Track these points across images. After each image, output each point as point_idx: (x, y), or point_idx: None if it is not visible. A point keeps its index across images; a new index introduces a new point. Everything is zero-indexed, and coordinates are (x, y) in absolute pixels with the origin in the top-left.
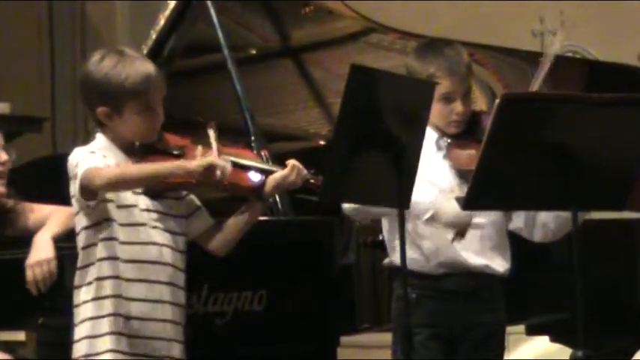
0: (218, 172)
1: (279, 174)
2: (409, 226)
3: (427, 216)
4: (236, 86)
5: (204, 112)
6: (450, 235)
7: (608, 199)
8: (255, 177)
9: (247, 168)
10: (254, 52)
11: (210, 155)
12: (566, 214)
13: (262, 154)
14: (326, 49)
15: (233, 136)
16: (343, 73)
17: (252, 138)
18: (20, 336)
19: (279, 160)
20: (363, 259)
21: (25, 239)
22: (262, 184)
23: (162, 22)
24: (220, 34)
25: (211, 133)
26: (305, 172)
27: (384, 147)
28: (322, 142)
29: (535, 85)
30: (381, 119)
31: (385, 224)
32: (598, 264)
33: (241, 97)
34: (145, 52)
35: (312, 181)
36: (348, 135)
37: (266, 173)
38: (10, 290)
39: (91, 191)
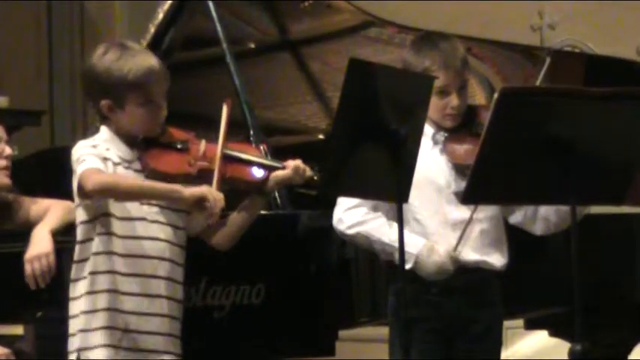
0: (208, 205)
1: (281, 173)
2: (407, 224)
3: (409, 266)
4: (235, 80)
5: (203, 106)
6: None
7: (607, 193)
8: (258, 172)
9: (250, 163)
10: (253, 45)
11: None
12: (566, 208)
13: (261, 147)
14: (325, 43)
15: (232, 129)
16: (342, 67)
17: (251, 132)
18: (19, 329)
19: (278, 155)
20: (361, 252)
21: (23, 233)
22: (265, 179)
23: (160, 15)
24: (219, 28)
25: (225, 110)
26: (308, 172)
27: (382, 141)
28: (321, 136)
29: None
30: (379, 113)
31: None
32: (596, 258)
33: (240, 90)
34: (144, 45)
35: (315, 178)
36: (347, 129)
37: (269, 169)
38: (8, 284)
39: (85, 192)
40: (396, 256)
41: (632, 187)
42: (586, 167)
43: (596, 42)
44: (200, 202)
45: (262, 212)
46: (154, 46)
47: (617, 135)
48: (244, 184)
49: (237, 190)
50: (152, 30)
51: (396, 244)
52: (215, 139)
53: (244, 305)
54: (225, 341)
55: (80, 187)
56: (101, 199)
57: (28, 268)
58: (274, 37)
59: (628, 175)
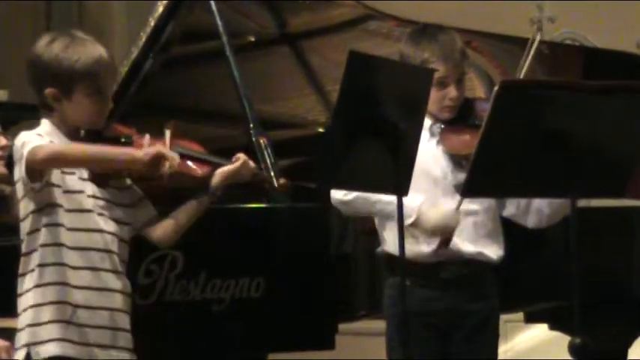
0: (166, 164)
1: (227, 167)
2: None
3: (410, 221)
4: (234, 73)
5: (202, 99)
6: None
7: (607, 186)
8: (202, 169)
9: (195, 159)
10: (252, 39)
11: (158, 145)
12: (559, 200)
13: (261, 141)
14: (324, 36)
15: (231, 123)
16: (341, 61)
17: (251, 125)
18: (15, 323)
19: (276, 148)
20: (360, 246)
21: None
22: (209, 176)
23: (160, 8)
24: (218, 21)
25: (167, 133)
26: (253, 166)
27: (382, 134)
28: (320, 130)
29: (522, 72)
30: (379, 106)
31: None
32: (595, 252)
33: (239, 84)
34: (142, 39)
35: (259, 175)
36: (347, 122)
37: (214, 166)
38: (6, 277)
39: (35, 170)
40: (390, 209)
41: (631, 181)
42: (585, 160)
43: (596, 35)
44: (155, 160)
45: (262, 205)
46: (153, 39)
47: (616, 128)
48: (190, 180)
49: (183, 187)
50: (152, 23)
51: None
52: (160, 136)
53: (243, 299)
54: (224, 335)
55: (30, 166)
56: (46, 188)
57: None
58: (274, 30)
59: (627, 169)
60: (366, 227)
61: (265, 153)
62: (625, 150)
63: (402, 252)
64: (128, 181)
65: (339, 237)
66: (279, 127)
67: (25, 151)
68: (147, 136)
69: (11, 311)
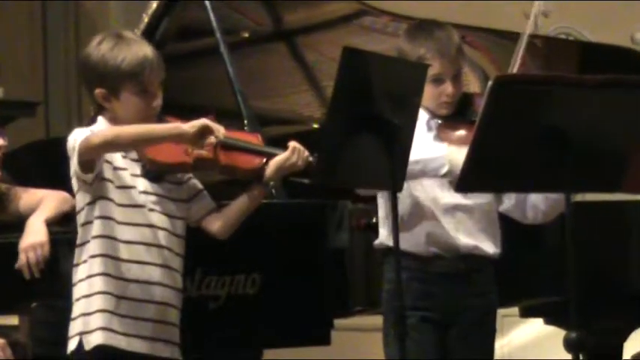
0: (212, 136)
1: (280, 157)
2: (401, 206)
3: (444, 170)
4: (229, 70)
5: (197, 96)
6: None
7: (602, 180)
8: (256, 160)
9: (248, 150)
10: (247, 35)
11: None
12: (556, 196)
13: (258, 136)
14: (319, 32)
15: (226, 119)
16: (336, 56)
17: (245, 122)
18: (14, 320)
19: (274, 144)
20: (355, 241)
21: (17, 223)
22: (263, 167)
23: (154, 5)
24: (213, 18)
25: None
26: (306, 153)
27: (376, 129)
28: (315, 125)
29: (514, 66)
30: (373, 102)
31: (381, 203)
32: (591, 246)
33: (234, 80)
34: (137, 34)
35: (312, 162)
36: (341, 117)
37: (268, 156)
38: (3, 274)
39: (88, 161)
40: (429, 166)
41: (627, 175)
42: (581, 155)
43: (591, 29)
44: (202, 132)
45: None
46: (148, 35)
47: (612, 122)
48: (242, 171)
49: (237, 180)
50: (146, 19)
51: (424, 156)
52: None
53: (239, 295)
54: (221, 331)
55: (83, 154)
56: (100, 182)
57: (22, 257)
58: (268, 26)
59: (622, 163)
60: (361, 223)
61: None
62: (620, 144)
63: (396, 246)
64: (186, 176)
65: (335, 233)
66: (274, 123)
67: (77, 144)
68: None
69: (7, 308)
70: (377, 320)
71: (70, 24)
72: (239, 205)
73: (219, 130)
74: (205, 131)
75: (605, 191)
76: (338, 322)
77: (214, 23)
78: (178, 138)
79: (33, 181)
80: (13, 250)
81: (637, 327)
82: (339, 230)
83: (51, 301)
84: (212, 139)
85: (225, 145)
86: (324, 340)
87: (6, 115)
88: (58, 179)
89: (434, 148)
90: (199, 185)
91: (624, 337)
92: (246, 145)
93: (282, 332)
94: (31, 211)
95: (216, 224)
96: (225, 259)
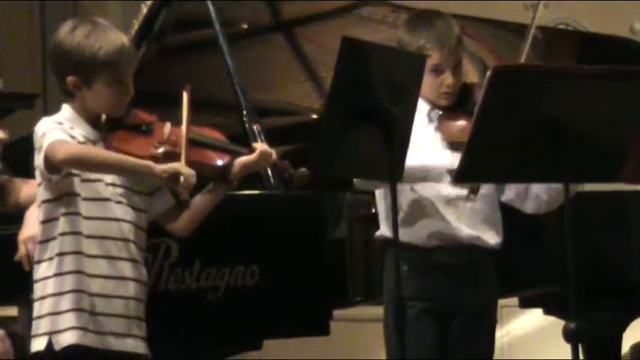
0: (182, 179)
1: (247, 159)
2: (402, 198)
3: (447, 180)
4: (227, 61)
5: (195, 88)
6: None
7: (600, 170)
8: (222, 157)
9: (216, 148)
10: (245, 27)
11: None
12: (558, 186)
13: (255, 128)
14: (318, 23)
15: (225, 111)
16: (335, 47)
17: (244, 113)
18: (12, 311)
19: (271, 136)
20: (355, 232)
21: (17, 215)
22: (229, 165)
23: None
24: (211, 9)
25: (184, 96)
26: (274, 156)
27: (375, 120)
28: (314, 117)
29: (522, 57)
30: (372, 92)
31: (379, 196)
32: (590, 236)
33: (233, 72)
34: (135, 27)
35: (279, 165)
36: (340, 108)
37: (234, 155)
38: (2, 265)
39: (54, 165)
40: (432, 174)
41: (625, 165)
42: (579, 145)
43: (590, 20)
44: (172, 177)
45: (256, 192)
46: (146, 27)
47: (610, 113)
48: (208, 168)
49: (201, 176)
50: (144, 11)
51: (428, 164)
52: (180, 123)
53: (239, 286)
54: (220, 322)
55: (48, 160)
56: (65, 177)
57: (22, 248)
58: (267, 18)
59: (621, 153)
60: (360, 213)
61: (259, 139)
62: (618, 134)
63: (395, 237)
64: None
65: (334, 223)
66: (273, 114)
67: (45, 143)
68: (168, 124)
69: (6, 300)
70: (376, 311)
71: (69, 16)
72: (202, 202)
73: (190, 176)
74: (176, 176)
75: (603, 181)
76: (337, 312)
77: (213, 15)
78: (148, 178)
79: (32, 172)
80: (12, 242)
81: (636, 317)
82: (339, 221)
83: None
84: (181, 183)
85: (192, 141)
86: (324, 330)
87: (5, 107)
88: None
89: (438, 153)
90: None
91: (623, 328)
92: (214, 143)
93: (282, 323)
94: (31, 203)
95: (178, 221)
96: (224, 251)
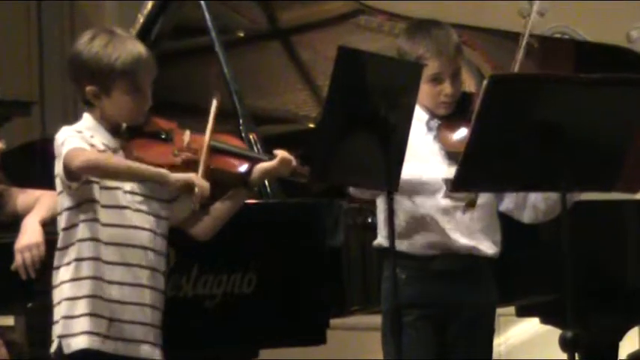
0: (196, 190)
1: (267, 165)
2: (400, 209)
3: (441, 195)
4: (224, 69)
5: (192, 95)
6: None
7: (597, 179)
8: (242, 164)
9: (235, 155)
10: (242, 34)
11: (197, 140)
12: (556, 196)
13: (251, 137)
14: (314, 31)
15: (222, 118)
16: (332, 55)
17: (241, 121)
18: (9, 320)
19: (268, 144)
20: (352, 241)
21: (13, 223)
22: (249, 172)
23: (150, 4)
24: (208, 16)
25: (214, 103)
26: (294, 163)
27: (372, 128)
28: (311, 125)
29: (515, 66)
30: (369, 101)
31: (380, 205)
32: (587, 245)
33: (229, 79)
34: (133, 34)
35: (299, 171)
36: (337, 117)
37: (254, 161)
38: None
39: (72, 172)
40: (427, 188)
41: (622, 174)
42: (576, 154)
43: (586, 28)
44: (186, 187)
45: (253, 201)
46: (143, 34)
47: (607, 121)
48: (228, 175)
49: (221, 182)
50: (141, 19)
51: (423, 177)
52: (199, 130)
53: (235, 294)
54: (216, 330)
55: (66, 167)
56: (85, 185)
57: (18, 257)
58: (264, 25)
59: (618, 162)
60: (357, 222)
61: (255, 149)
62: (615, 143)
63: (392, 243)
64: None
65: (331, 232)
66: (270, 122)
67: (64, 151)
68: (187, 132)
69: (3, 308)
70: (373, 319)
71: (66, 24)
72: (223, 207)
73: (205, 188)
74: (191, 187)
75: (600, 190)
76: (334, 321)
77: (209, 22)
78: (162, 181)
79: (29, 181)
80: (9, 251)
81: (633, 326)
82: (336, 229)
83: (45, 302)
84: (195, 193)
85: (213, 148)
86: (320, 339)
87: (2, 114)
88: (53, 179)
89: (434, 166)
90: None
91: (620, 336)
92: (234, 149)
93: (278, 332)
94: (28, 211)
95: (199, 226)
96: (221, 258)
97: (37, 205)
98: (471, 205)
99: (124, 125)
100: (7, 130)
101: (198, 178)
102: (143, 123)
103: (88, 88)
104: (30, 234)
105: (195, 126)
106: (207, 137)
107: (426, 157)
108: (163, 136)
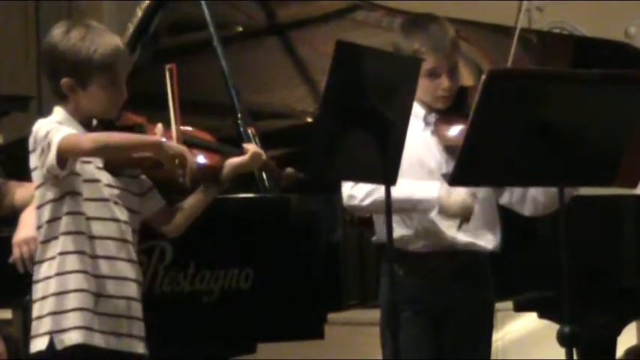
0: (187, 163)
1: (238, 160)
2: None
3: (434, 213)
4: (222, 64)
5: (190, 90)
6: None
7: (595, 174)
8: (212, 159)
9: (204, 149)
10: (240, 29)
11: (169, 134)
12: (555, 189)
13: (249, 131)
14: (312, 27)
15: (220, 114)
16: (329, 51)
17: (239, 116)
18: (7, 314)
19: (266, 139)
20: (349, 236)
21: (11, 217)
22: (222, 166)
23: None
24: (206, 12)
25: (168, 77)
26: (264, 158)
27: (370, 123)
28: (309, 120)
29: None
30: (367, 96)
31: None
32: (584, 240)
33: (227, 75)
34: (130, 29)
35: (269, 166)
36: (335, 112)
37: (223, 156)
38: None
39: (66, 159)
40: (419, 207)
41: (620, 169)
42: (574, 149)
43: (585, 24)
44: (178, 157)
45: (251, 195)
46: (141, 30)
47: (605, 116)
48: (199, 169)
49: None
50: (139, 14)
51: (415, 196)
52: (199, 129)
53: (233, 290)
54: (214, 326)
55: (65, 154)
56: (69, 176)
57: (16, 251)
58: (262, 21)
59: (616, 157)
60: (355, 216)
61: (254, 142)
62: (614, 138)
63: (389, 239)
64: (138, 170)
65: (329, 226)
66: (268, 117)
67: (55, 140)
68: (159, 125)
69: (2, 302)
70: (371, 314)
71: (64, 16)
72: (194, 203)
73: (193, 162)
74: (181, 159)
75: (598, 185)
76: (332, 316)
77: (208, 18)
78: (157, 149)
79: (25, 175)
80: (7, 245)
81: (630, 321)
82: (333, 223)
83: None
84: (186, 167)
85: (185, 143)
86: (318, 334)
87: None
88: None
89: (427, 185)
90: (149, 181)
91: (617, 331)
92: (205, 144)
93: (276, 327)
94: (26, 206)
95: (167, 222)
96: (218, 254)
97: (35, 199)
98: (466, 220)
99: (95, 121)
100: (5, 125)
101: (187, 152)
102: (115, 117)
103: (64, 81)
104: (28, 227)
105: (193, 121)
106: (171, 112)
107: (423, 152)
108: (136, 130)
